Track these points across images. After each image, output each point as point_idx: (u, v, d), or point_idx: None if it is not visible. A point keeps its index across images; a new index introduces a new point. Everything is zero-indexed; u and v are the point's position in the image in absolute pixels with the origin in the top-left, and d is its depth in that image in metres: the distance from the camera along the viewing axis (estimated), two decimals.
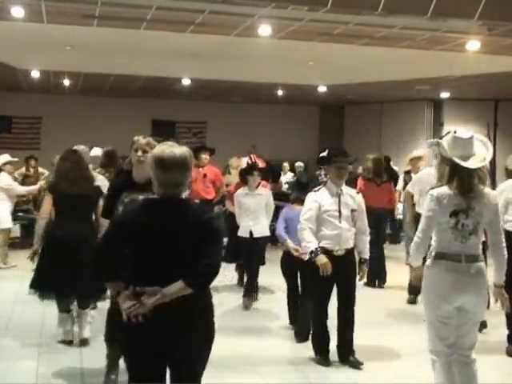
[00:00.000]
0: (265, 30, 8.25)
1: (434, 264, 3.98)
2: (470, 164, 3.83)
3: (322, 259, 5.19)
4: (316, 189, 5.48)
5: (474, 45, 8.84)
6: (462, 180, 3.86)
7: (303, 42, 9.12)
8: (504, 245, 4.03)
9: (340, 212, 5.31)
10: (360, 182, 9.33)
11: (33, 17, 7.85)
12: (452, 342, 4.00)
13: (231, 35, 8.64)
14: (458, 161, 3.82)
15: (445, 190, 3.90)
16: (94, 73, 12.87)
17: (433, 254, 3.99)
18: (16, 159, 10.50)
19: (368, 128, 16.88)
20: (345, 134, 18.08)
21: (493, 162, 18.24)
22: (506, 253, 4.04)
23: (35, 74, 13.16)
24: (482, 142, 4.00)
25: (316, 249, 5.22)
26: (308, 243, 5.29)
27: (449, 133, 4.00)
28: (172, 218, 3.07)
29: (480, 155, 3.90)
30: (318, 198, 5.36)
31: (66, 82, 14.38)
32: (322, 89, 14.67)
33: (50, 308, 6.08)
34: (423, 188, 6.55)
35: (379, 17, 7.35)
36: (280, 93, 15.58)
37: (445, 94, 15.21)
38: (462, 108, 15.89)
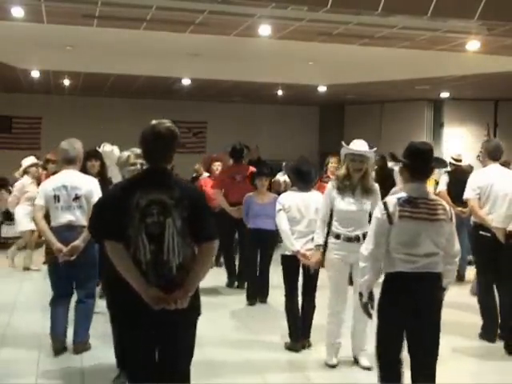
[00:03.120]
0: (265, 29, 8.25)
1: None
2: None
3: None
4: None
5: (473, 45, 8.84)
6: None
7: (303, 42, 9.11)
8: None
9: None
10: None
11: (33, 17, 7.85)
12: None
13: (231, 35, 8.63)
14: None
15: None
16: (94, 73, 12.85)
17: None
18: (41, 162, 10.30)
19: (368, 128, 16.86)
20: (345, 134, 18.05)
21: None
22: None
23: (35, 74, 13.15)
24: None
25: None
26: None
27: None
28: None
29: None
30: None
31: (66, 82, 14.37)
32: (322, 89, 14.66)
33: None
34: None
35: (379, 17, 7.34)
36: (280, 93, 15.55)
37: (445, 94, 15.19)
38: (461, 108, 15.88)
